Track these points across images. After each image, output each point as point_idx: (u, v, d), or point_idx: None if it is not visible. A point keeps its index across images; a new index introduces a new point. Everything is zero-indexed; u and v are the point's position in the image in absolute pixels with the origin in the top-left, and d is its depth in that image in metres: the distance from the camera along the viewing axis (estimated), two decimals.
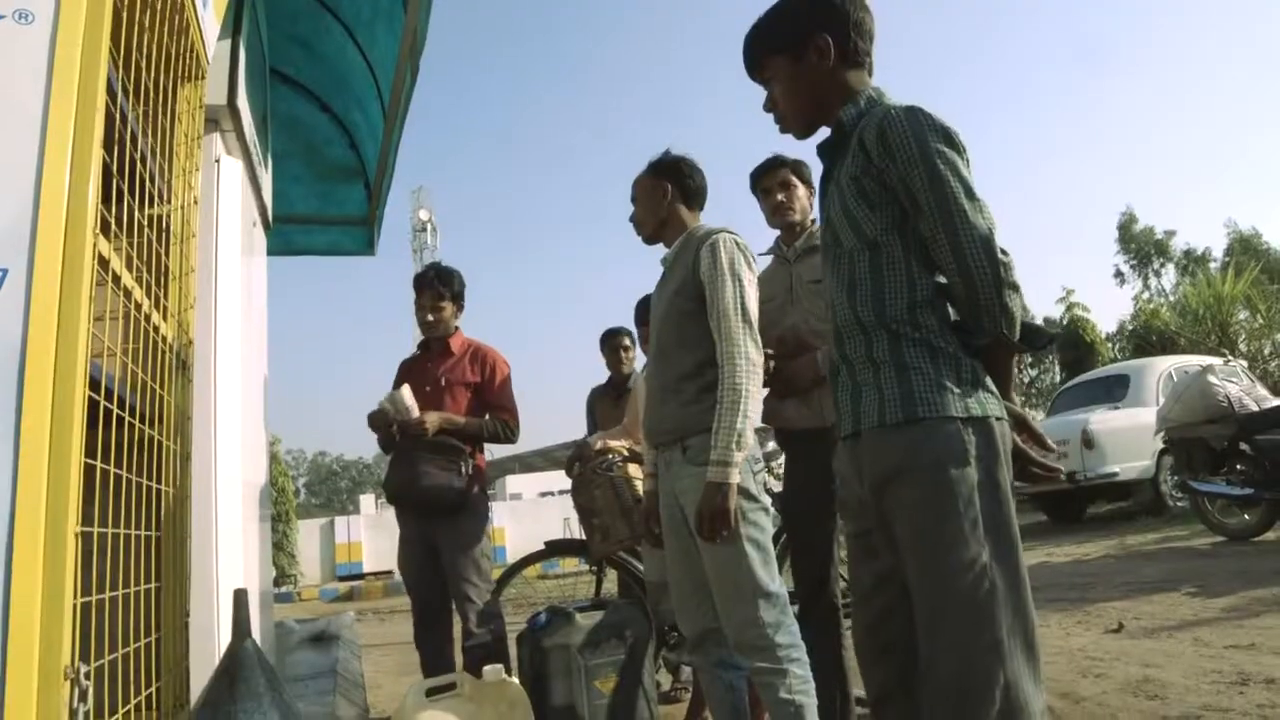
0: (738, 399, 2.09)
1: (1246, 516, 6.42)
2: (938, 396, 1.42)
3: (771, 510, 2.26)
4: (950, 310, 1.53)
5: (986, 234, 1.43)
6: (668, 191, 2.41)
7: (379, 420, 3.28)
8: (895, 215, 1.50)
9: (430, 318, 3.41)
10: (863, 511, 1.57)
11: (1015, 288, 1.44)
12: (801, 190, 2.82)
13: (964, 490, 1.39)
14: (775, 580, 2.16)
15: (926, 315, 1.49)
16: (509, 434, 3.44)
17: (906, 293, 1.49)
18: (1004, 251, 1.46)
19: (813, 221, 2.82)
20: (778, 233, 2.87)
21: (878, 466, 1.48)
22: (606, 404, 4.15)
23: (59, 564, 1.09)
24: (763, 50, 1.66)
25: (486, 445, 3.49)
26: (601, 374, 4.24)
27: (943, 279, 1.51)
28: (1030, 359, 25.12)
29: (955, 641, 1.38)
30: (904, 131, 1.45)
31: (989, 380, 1.49)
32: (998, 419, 1.45)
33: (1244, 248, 23.15)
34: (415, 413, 3.23)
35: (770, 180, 2.80)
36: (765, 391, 2.61)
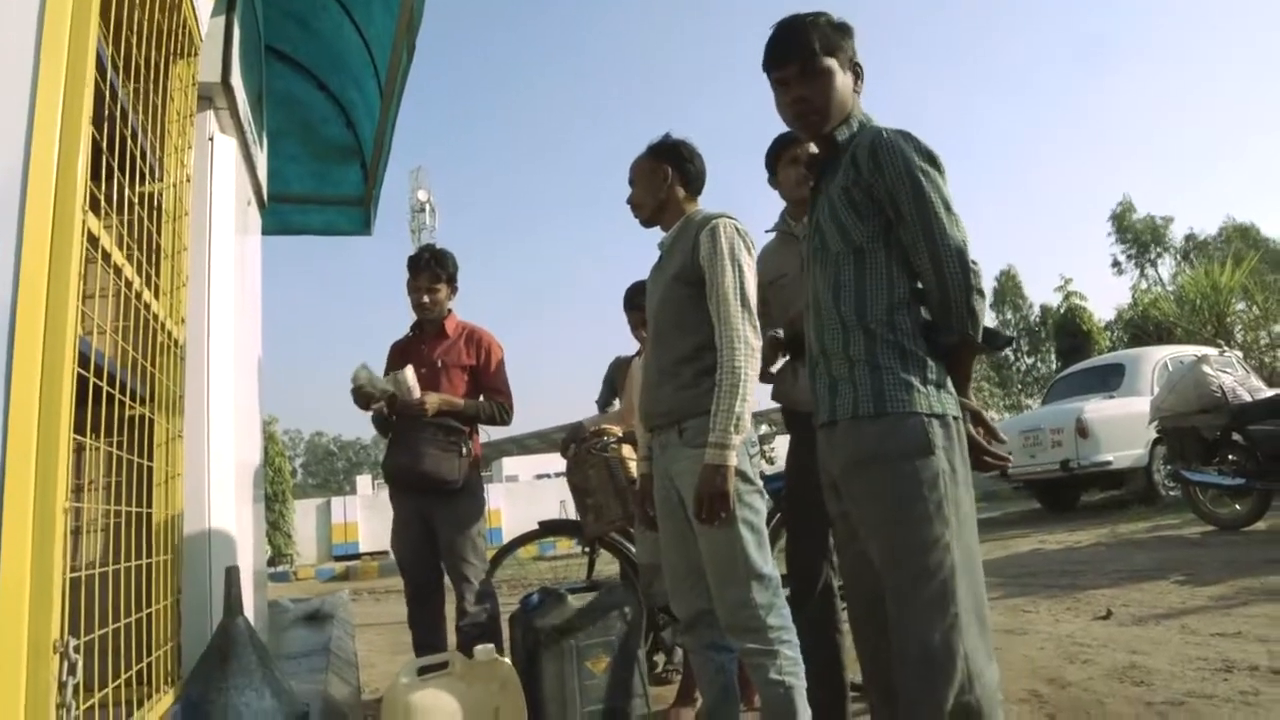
0: (736, 382, 2.10)
1: (1237, 506, 6.45)
2: (906, 394, 1.61)
3: (765, 493, 2.27)
4: (923, 312, 1.71)
5: (961, 244, 1.63)
6: (667, 174, 2.40)
7: (363, 397, 3.27)
8: (880, 224, 1.68)
9: (426, 299, 3.41)
10: (836, 494, 1.73)
11: (981, 293, 1.65)
12: None
13: (928, 476, 1.57)
14: (769, 563, 2.18)
15: (902, 317, 1.67)
16: (504, 416, 3.45)
17: (886, 295, 1.67)
18: (974, 261, 1.65)
19: None
20: (781, 212, 2.84)
21: (850, 453, 1.66)
22: None
23: (48, 538, 1.10)
24: (823, 43, 1.74)
25: (482, 427, 3.50)
26: (606, 352, 4.23)
27: (919, 284, 1.69)
28: (1027, 348, 25.42)
29: (920, 616, 1.53)
30: (894, 150, 1.64)
31: (950, 383, 1.67)
32: (955, 417, 1.65)
33: (1241, 236, 23.14)
34: (417, 393, 3.23)
35: (797, 149, 2.67)
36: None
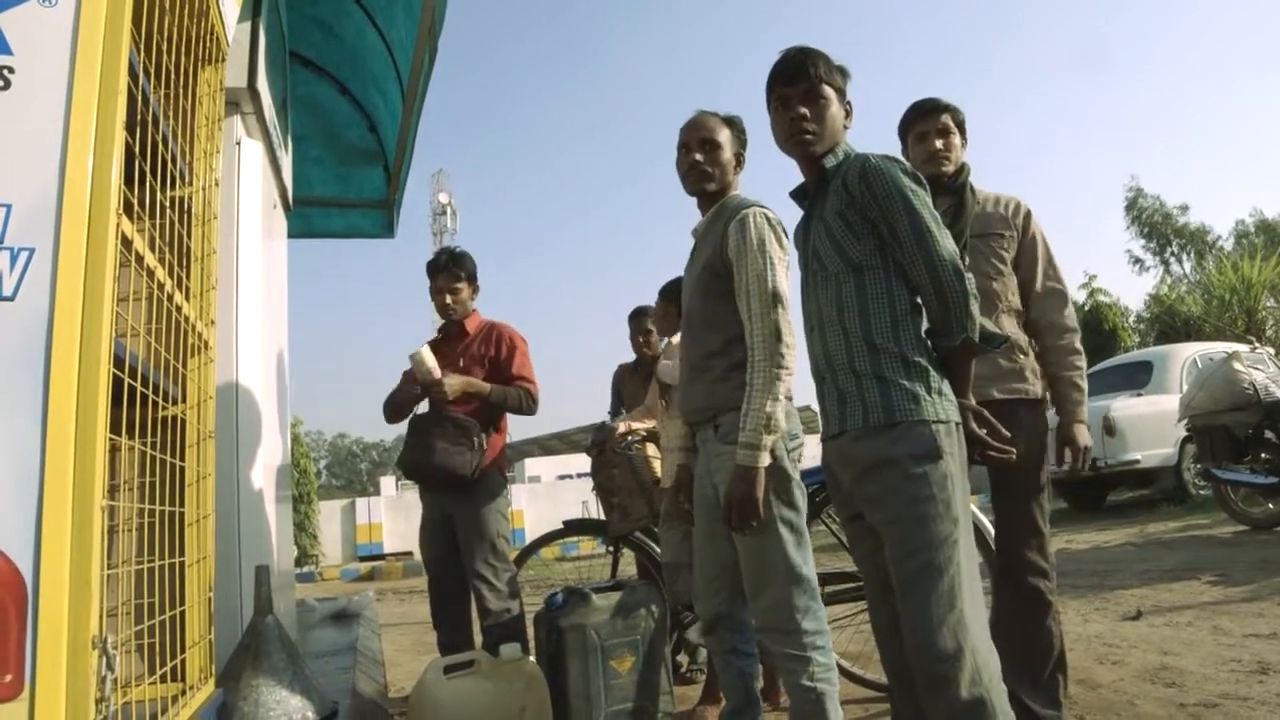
0: (768, 381, 2.02)
1: (1270, 505, 6.33)
2: (913, 405, 1.71)
3: (806, 491, 2.20)
4: (923, 322, 1.81)
5: (953, 253, 1.75)
6: (740, 159, 2.34)
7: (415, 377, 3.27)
8: (875, 243, 1.80)
9: (449, 300, 3.42)
10: (849, 500, 1.84)
11: (976, 298, 1.76)
12: (958, 139, 2.53)
13: (938, 477, 1.67)
14: (808, 563, 2.10)
15: (905, 329, 1.77)
16: (528, 403, 3.40)
17: (888, 309, 1.78)
18: (966, 269, 1.77)
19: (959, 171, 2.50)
20: None
21: (863, 460, 1.75)
22: (636, 382, 4.13)
23: (86, 536, 1.12)
24: (827, 74, 1.93)
25: (506, 428, 3.50)
26: (626, 353, 4.22)
27: (917, 298, 1.80)
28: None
29: (929, 610, 1.62)
30: (883, 174, 1.77)
31: (949, 390, 1.77)
32: (957, 424, 1.76)
33: (1267, 230, 22.63)
34: (437, 373, 3.22)
35: (928, 124, 2.51)
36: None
